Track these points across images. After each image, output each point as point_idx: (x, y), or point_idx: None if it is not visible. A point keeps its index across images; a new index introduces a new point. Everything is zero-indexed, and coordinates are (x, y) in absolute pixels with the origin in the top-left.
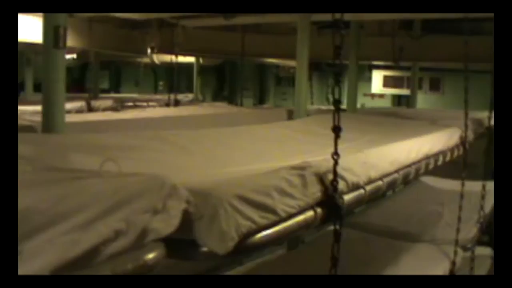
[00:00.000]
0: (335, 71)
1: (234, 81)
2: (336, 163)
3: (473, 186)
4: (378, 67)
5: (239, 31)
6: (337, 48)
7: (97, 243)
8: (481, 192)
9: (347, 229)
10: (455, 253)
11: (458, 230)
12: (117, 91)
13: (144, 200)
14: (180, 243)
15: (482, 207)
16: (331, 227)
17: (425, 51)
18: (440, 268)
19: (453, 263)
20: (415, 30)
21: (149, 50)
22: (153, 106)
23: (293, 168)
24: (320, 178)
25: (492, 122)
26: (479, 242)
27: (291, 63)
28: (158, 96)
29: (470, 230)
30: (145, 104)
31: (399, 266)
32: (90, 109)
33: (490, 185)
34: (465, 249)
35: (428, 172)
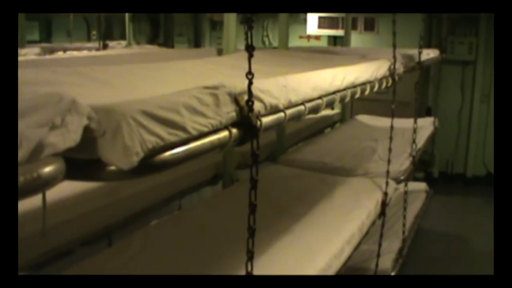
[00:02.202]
0: None
1: (169, 27)
2: (250, 82)
3: (407, 123)
4: None
5: None
6: None
7: None
8: (413, 126)
9: (282, 166)
10: (387, 184)
11: (389, 162)
12: (49, 42)
13: (39, 114)
14: (84, 163)
15: (414, 141)
16: (265, 167)
17: None
18: (373, 199)
19: (385, 194)
20: None
21: None
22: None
23: (205, 87)
24: (235, 98)
25: (423, 57)
26: (415, 179)
27: None
28: (90, 44)
29: (403, 163)
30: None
31: (333, 198)
32: None
33: (422, 121)
34: (397, 181)
35: (356, 101)
